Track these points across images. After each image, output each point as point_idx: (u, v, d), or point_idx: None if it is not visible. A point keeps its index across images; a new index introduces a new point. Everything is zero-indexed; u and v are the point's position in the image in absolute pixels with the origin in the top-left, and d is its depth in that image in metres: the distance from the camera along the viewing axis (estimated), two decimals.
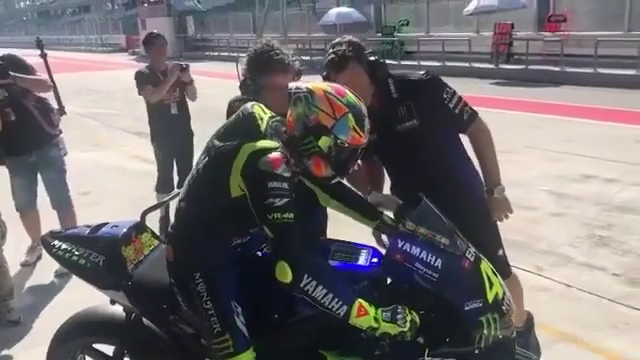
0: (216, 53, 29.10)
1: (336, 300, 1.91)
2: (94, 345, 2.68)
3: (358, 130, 2.00)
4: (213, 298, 2.15)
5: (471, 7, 17.60)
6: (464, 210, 2.37)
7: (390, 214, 2.46)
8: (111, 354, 2.65)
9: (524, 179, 6.79)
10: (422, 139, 2.71)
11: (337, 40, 2.70)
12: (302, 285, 1.90)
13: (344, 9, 23.86)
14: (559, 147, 8.18)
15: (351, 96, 2.05)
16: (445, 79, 2.82)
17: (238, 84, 2.70)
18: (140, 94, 5.36)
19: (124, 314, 2.54)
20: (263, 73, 2.55)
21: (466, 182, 2.88)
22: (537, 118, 10.46)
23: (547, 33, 16.43)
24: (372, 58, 2.68)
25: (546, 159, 7.71)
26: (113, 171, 8.02)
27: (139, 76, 5.33)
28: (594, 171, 7.01)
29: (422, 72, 2.81)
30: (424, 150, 2.74)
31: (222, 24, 32.21)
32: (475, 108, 2.82)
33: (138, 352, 2.56)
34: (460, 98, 2.76)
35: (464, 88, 3.41)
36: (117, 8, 54.82)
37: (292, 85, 2.13)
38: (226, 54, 26.68)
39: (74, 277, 4.33)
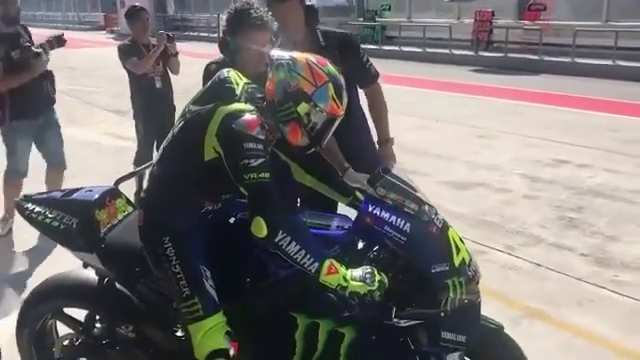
0: (196, 33, 28.74)
1: (308, 257, 1.94)
2: (65, 310, 2.69)
3: (336, 100, 2.06)
4: (181, 262, 2.17)
5: None
6: (367, 157, 2.76)
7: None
8: (82, 320, 2.65)
9: (499, 163, 6.91)
10: None
11: None
12: (277, 240, 1.93)
13: None
14: (535, 133, 8.27)
15: (331, 67, 2.10)
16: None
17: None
18: (125, 66, 5.32)
19: (97, 279, 2.54)
20: (242, 30, 2.57)
21: (367, 131, 3.30)
22: (515, 105, 10.55)
23: (527, 22, 16.53)
24: (308, 3, 2.99)
25: (522, 144, 7.79)
26: (89, 147, 7.91)
27: (123, 49, 5.30)
28: (568, 156, 7.11)
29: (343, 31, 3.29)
30: None
31: (202, 4, 31.77)
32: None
33: (110, 317, 2.57)
34: (368, 58, 3.16)
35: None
36: None
37: (274, 52, 2.16)
38: (206, 34, 26.43)
39: (44, 249, 4.41)
